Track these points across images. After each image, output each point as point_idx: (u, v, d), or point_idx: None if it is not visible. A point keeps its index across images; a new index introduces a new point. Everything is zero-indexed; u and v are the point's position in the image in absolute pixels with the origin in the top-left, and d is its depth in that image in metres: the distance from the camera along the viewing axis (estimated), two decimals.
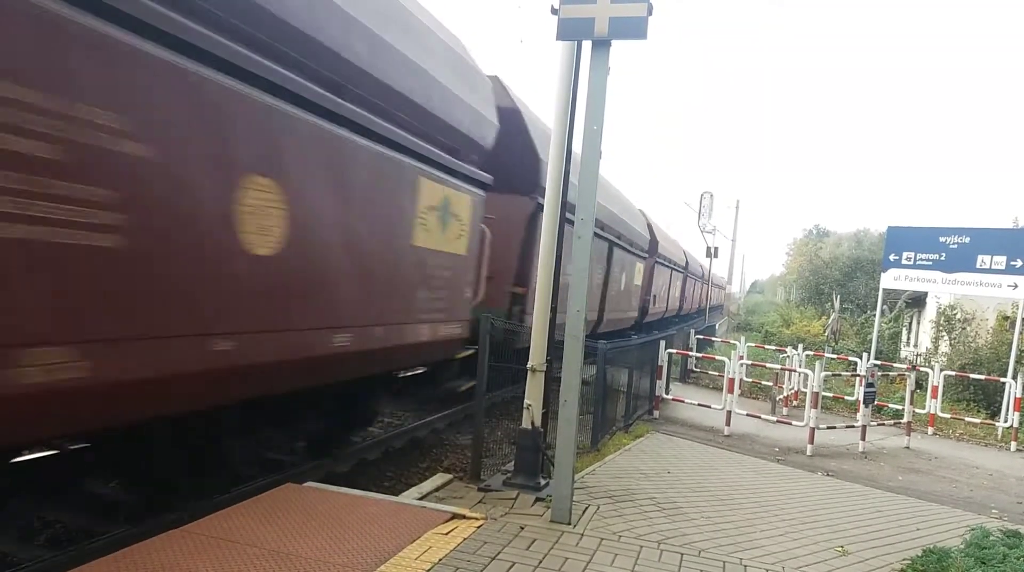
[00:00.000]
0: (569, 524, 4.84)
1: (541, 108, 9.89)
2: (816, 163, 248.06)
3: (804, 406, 10.41)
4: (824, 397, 11.53)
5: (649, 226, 19.19)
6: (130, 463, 4.48)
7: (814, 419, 9.31)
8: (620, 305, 15.50)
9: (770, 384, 13.47)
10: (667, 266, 22.40)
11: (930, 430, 12.05)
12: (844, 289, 31.81)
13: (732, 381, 10.32)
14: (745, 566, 4.47)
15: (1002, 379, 12.87)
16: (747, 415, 10.43)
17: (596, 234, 12.20)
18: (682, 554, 4.53)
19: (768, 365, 13.54)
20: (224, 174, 3.75)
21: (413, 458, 7.27)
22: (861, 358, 13.64)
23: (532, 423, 5.53)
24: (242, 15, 3.76)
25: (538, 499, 5.28)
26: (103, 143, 3.04)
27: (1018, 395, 11.45)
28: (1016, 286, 13.47)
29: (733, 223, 47.05)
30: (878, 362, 14.15)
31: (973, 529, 5.36)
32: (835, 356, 16.08)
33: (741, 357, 13.16)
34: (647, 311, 19.55)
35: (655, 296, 20.25)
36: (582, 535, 4.68)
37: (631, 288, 16.62)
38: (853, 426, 10.30)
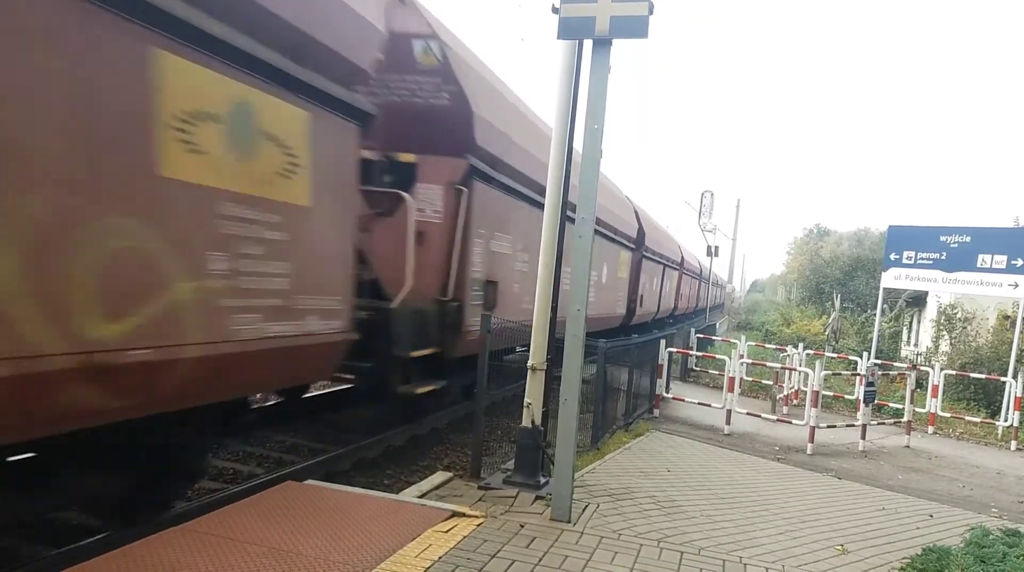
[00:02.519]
0: (569, 522, 4.85)
1: (542, 108, 9.92)
2: (817, 162, 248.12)
3: (804, 405, 10.42)
4: (824, 396, 11.54)
5: (679, 246, 27.69)
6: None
7: (814, 418, 9.32)
8: (668, 302, 24.93)
9: (770, 383, 13.48)
10: (689, 275, 31.55)
11: (930, 429, 12.05)
12: (845, 288, 31.75)
13: (732, 380, 10.32)
14: (745, 564, 4.48)
15: (1002, 378, 12.86)
16: (747, 414, 10.44)
17: (655, 261, 19.86)
18: (682, 552, 4.54)
19: (768, 364, 13.54)
20: None
21: (413, 456, 7.28)
22: (861, 357, 13.64)
23: (532, 421, 5.53)
24: None
25: (538, 497, 5.29)
26: None
27: (1018, 394, 11.44)
28: (1017, 285, 13.45)
29: (734, 222, 47.11)
30: (878, 361, 14.14)
31: (973, 528, 5.36)
32: (835, 355, 16.09)
33: (741, 356, 13.17)
34: (677, 307, 27.94)
35: (682, 296, 28.87)
36: (582, 533, 4.69)
37: (671, 290, 25.64)
38: (853, 425, 10.30)
